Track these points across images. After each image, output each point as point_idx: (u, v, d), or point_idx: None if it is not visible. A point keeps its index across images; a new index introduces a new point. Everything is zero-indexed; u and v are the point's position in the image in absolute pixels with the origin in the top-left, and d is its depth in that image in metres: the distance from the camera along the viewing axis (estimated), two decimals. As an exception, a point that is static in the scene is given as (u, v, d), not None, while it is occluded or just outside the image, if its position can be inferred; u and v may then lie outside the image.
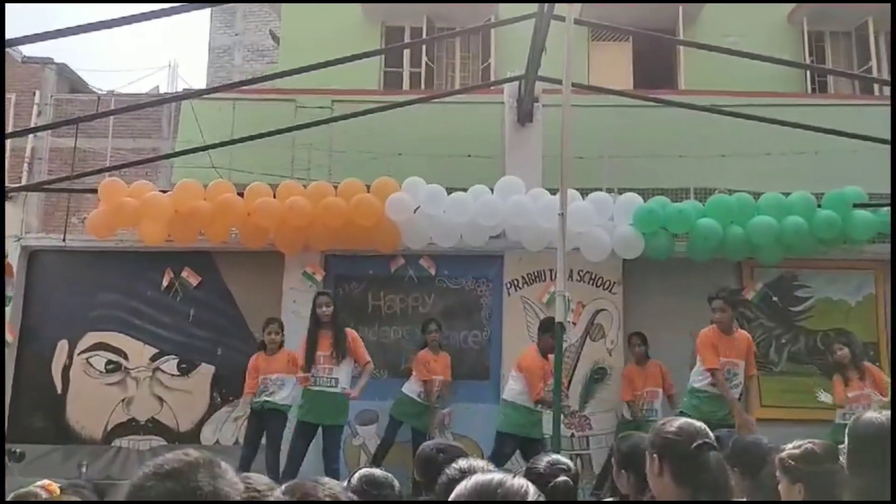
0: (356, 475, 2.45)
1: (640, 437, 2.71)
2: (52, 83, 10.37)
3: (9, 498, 2.15)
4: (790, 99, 8.97)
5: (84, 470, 7.17)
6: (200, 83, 14.93)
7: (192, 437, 7.34)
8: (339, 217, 6.93)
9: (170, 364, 7.53)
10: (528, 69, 7.06)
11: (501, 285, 7.45)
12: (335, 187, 7.16)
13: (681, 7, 10.34)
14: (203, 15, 16.83)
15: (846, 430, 2.23)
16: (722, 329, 6.10)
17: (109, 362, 7.53)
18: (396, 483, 2.45)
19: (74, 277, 7.71)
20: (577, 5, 7.84)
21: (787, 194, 7.18)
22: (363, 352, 6.42)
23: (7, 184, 7.93)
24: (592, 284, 7.39)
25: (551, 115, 7.04)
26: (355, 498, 1.77)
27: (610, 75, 9.51)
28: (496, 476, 1.48)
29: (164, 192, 7.33)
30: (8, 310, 7.29)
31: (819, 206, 7.15)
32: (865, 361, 6.58)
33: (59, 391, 7.51)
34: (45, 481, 2.17)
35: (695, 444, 2.14)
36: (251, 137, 7.36)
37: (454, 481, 1.81)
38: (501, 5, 10.00)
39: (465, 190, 7.01)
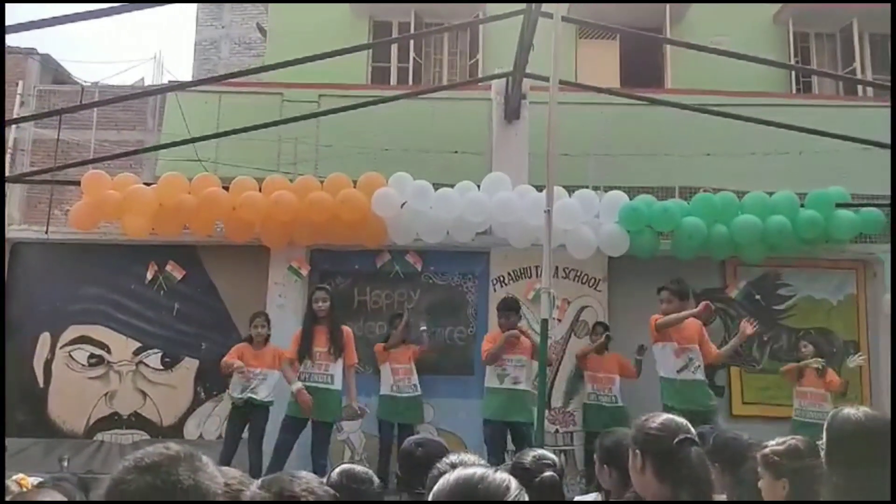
0: (336, 470, 2.46)
1: (622, 432, 2.73)
2: (36, 74, 10.22)
3: None
4: (775, 99, 9.05)
5: (65, 464, 7.12)
6: (186, 75, 14.84)
7: (176, 431, 7.30)
8: (325, 212, 6.91)
9: (153, 358, 7.48)
10: (516, 66, 7.07)
11: (487, 282, 7.47)
12: (321, 182, 7.14)
13: (668, 6, 10.39)
14: (189, 7, 16.69)
15: (825, 427, 2.26)
16: None
17: (92, 356, 7.47)
18: (376, 479, 2.47)
19: (57, 270, 7.64)
20: (565, 3, 7.85)
21: (770, 194, 7.25)
22: (353, 352, 6.42)
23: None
24: (578, 281, 7.42)
25: (538, 112, 7.05)
26: (332, 492, 1.77)
27: (597, 73, 9.53)
28: (478, 471, 1.48)
29: (149, 185, 7.27)
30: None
31: (802, 205, 7.23)
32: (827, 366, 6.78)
33: (41, 385, 7.44)
34: (20, 475, 2.15)
35: (677, 440, 2.16)
36: (237, 131, 7.33)
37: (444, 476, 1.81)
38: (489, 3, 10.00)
39: (451, 186, 7.01)
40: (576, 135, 7.22)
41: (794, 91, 10.27)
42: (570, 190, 6.98)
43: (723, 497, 2.39)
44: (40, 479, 2.33)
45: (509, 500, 1.42)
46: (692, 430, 2.24)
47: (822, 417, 6.89)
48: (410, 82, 10.31)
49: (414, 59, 10.54)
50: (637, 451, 2.21)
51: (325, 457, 6.27)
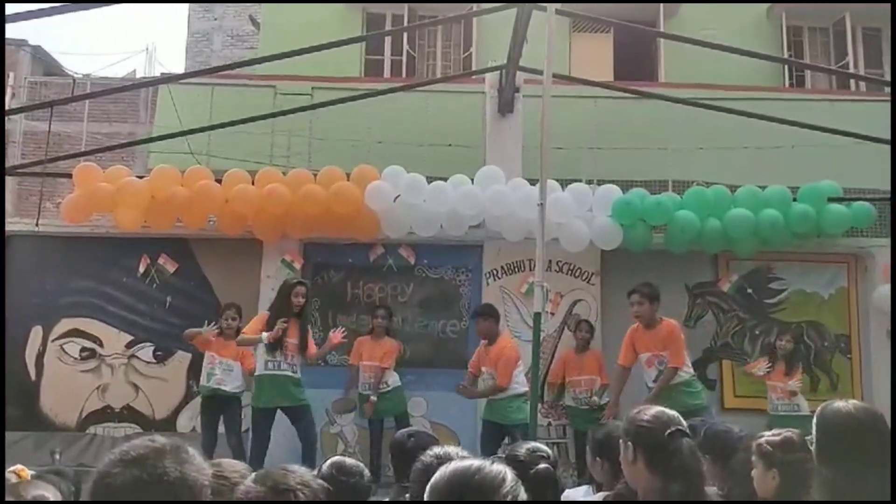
0: (327, 462, 2.48)
1: (614, 425, 2.75)
2: (27, 65, 10.17)
3: None
4: (768, 93, 9.05)
5: (57, 457, 7.10)
6: (179, 68, 14.75)
7: (168, 424, 7.29)
8: (318, 205, 6.89)
9: (145, 351, 7.47)
10: (510, 59, 7.06)
11: (481, 275, 7.48)
12: (314, 175, 7.12)
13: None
14: None
15: (814, 420, 2.26)
16: (643, 323, 6.08)
17: (84, 349, 7.45)
18: (367, 471, 2.49)
19: (48, 263, 7.60)
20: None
21: (763, 188, 7.28)
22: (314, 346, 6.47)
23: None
24: (571, 275, 7.43)
25: (532, 105, 7.05)
26: (325, 485, 1.78)
27: (590, 67, 9.51)
28: (475, 462, 1.49)
29: (141, 177, 7.25)
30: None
31: (794, 199, 7.25)
32: (800, 366, 6.83)
33: (33, 378, 7.42)
34: (18, 466, 2.15)
35: (668, 432, 2.18)
36: (230, 123, 7.29)
37: (430, 468, 1.82)
38: (484, -6, 9.96)
39: (445, 179, 7.01)
40: (569, 128, 7.22)
41: (787, 85, 10.29)
42: (564, 183, 6.99)
43: (713, 489, 2.41)
44: (32, 473, 2.32)
45: (505, 491, 1.42)
46: (683, 422, 2.25)
47: (793, 410, 6.93)
48: (404, 75, 10.28)
49: (407, 51, 10.51)
50: (629, 443, 2.22)
51: (316, 441, 6.32)
